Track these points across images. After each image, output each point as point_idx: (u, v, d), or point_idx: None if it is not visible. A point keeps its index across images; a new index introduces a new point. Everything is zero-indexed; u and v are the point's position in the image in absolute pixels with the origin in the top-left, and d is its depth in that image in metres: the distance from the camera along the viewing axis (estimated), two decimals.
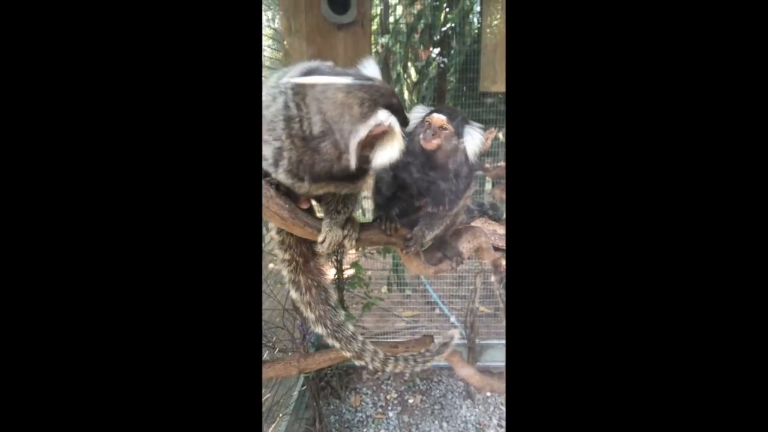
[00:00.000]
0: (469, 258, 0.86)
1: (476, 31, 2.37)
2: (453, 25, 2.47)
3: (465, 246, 0.84)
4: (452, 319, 2.68)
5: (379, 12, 2.64)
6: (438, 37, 2.51)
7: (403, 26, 2.70)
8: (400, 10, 2.74)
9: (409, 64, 2.77)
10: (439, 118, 0.74)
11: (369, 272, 3.21)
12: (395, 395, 2.37)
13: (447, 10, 2.50)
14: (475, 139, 0.76)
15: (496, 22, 2.00)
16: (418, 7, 2.66)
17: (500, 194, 1.03)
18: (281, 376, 1.36)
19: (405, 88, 2.76)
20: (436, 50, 2.51)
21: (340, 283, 2.20)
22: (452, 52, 2.48)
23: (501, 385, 1.26)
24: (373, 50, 2.59)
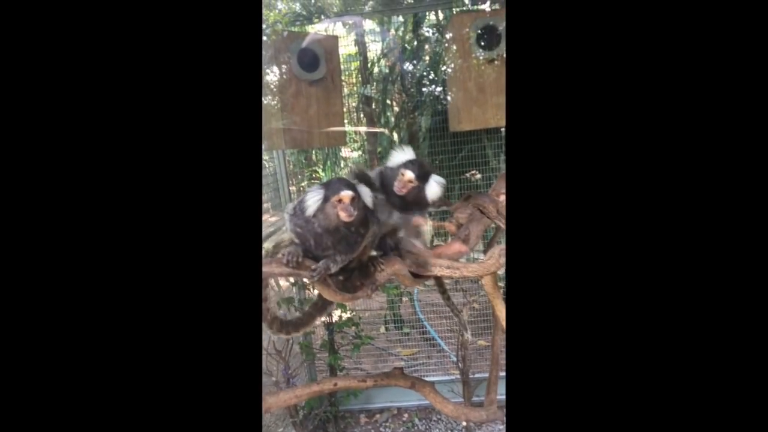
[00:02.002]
0: (383, 284, 0.92)
1: (443, 76, 2.54)
2: (422, 73, 2.65)
3: (380, 274, 0.90)
4: (451, 354, 2.65)
5: (358, 64, 2.85)
6: (410, 83, 2.68)
7: (384, 74, 2.90)
8: (383, 62, 2.96)
9: (392, 108, 2.95)
10: (347, 195, 0.87)
11: (367, 313, 3.22)
12: None
13: (416, 62, 2.69)
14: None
15: (458, 68, 2.15)
16: (397, 53, 2.86)
17: (449, 227, 1.10)
18: None
19: (388, 130, 2.92)
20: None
21: (329, 326, 2.23)
22: (422, 97, 2.65)
23: (475, 414, 1.26)
24: (350, 99, 2.77)
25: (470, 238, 0.94)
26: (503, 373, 1.70)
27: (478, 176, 2.52)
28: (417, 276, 0.92)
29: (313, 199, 0.86)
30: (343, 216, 0.85)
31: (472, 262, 0.86)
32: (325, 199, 0.86)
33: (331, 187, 0.87)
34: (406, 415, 2.48)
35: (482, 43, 1.80)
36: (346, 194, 0.85)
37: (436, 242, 1.04)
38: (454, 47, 1.85)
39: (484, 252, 1.35)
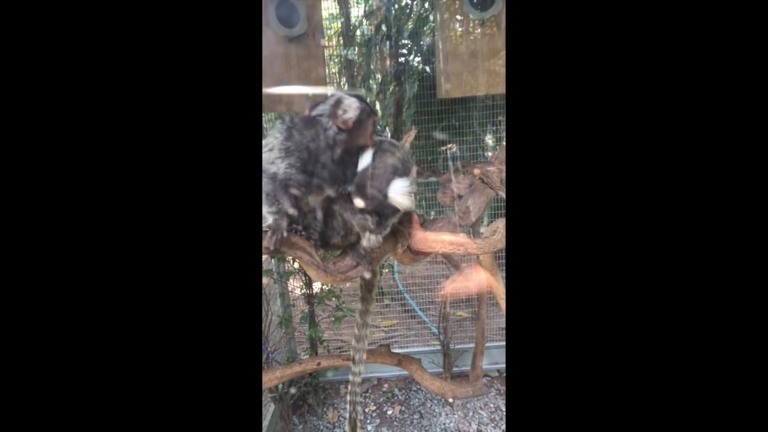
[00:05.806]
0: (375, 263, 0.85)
1: (430, 41, 2.41)
2: (407, 37, 2.51)
3: (376, 252, 0.83)
4: (431, 326, 2.66)
5: (341, 25, 2.67)
6: (395, 46, 2.54)
7: (366, 35, 2.73)
8: (365, 22, 2.77)
9: (375, 74, 2.80)
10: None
11: (347, 284, 3.18)
12: (374, 407, 2.33)
13: (404, 21, 2.54)
14: None
15: (449, 33, 2.03)
16: (382, 13, 2.69)
17: (443, 197, 1.03)
18: None
19: (373, 97, 2.78)
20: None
21: (309, 297, 2.17)
22: (409, 62, 2.52)
23: (462, 390, 1.24)
24: (332, 63, 2.61)
25: (470, 211, 0.87)
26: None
27: (454, 149, 2.45)
28: (417, 253, 0.85)
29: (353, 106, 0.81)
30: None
31: (476, 237, 0.80)
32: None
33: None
34: (386, 386, 2.50)
35: (475, 3, 1.69)
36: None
37: (432, 216, 0.97)
38: (445, 6, 1.73)
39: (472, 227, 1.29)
